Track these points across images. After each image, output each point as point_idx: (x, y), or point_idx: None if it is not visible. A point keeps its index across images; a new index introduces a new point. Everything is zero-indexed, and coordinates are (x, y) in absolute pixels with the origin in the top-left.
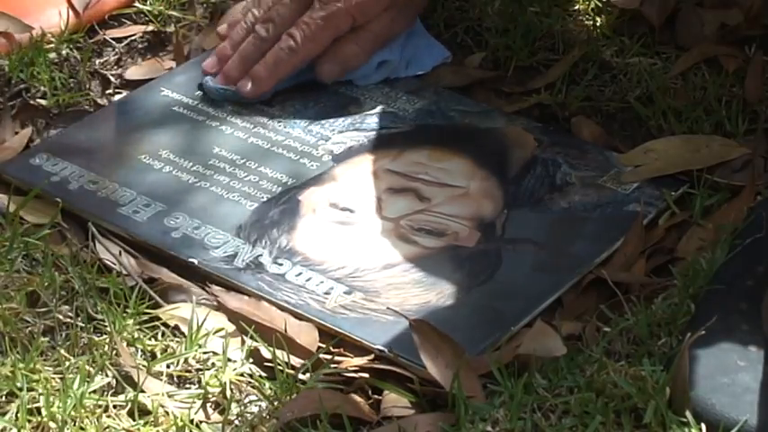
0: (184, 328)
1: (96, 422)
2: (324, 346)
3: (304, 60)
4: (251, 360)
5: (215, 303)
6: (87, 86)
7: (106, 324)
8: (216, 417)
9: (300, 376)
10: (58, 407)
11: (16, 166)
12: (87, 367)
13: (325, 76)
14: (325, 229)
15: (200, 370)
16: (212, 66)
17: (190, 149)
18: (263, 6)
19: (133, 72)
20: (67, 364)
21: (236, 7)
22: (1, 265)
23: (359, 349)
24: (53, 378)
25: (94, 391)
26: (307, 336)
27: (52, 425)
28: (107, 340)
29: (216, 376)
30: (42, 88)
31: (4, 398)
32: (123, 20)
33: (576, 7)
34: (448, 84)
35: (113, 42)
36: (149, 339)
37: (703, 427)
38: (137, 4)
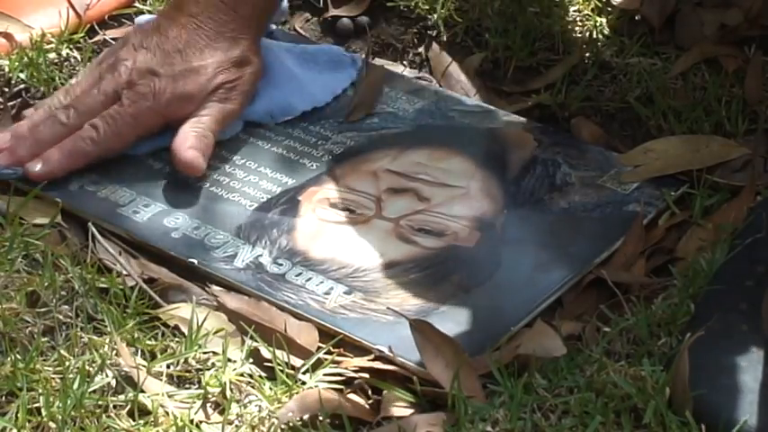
0: (184, 328)
1: (96, 422)
2: (324, 346)
3: (101, 155)
4: (251, 360)
5: (215, 303)
6: None
7: (106, 324)
8: (216, 417)
9: (300, 376)
10: (58, 407)
11: None
12: (87, 367)
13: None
14: (325, 229)
15: (200, 370)
16: (2, 142)
17: None
18: (70, 95)
19: None
20: (67, 364)
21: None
22: (1, 265)
23: (359, 349)
24: (53, 378)
25: (94, 391)
26: (307, 336)
27: (52, 425)
28: (107, 340)
29: (216, 376)
30: (42, 88)
31: (4, 398)
32: (123, 20)
33: (576, 8)
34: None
35: (113, 42)
36: (149, 339)
37: (703, 427)
38: (137, 4)
